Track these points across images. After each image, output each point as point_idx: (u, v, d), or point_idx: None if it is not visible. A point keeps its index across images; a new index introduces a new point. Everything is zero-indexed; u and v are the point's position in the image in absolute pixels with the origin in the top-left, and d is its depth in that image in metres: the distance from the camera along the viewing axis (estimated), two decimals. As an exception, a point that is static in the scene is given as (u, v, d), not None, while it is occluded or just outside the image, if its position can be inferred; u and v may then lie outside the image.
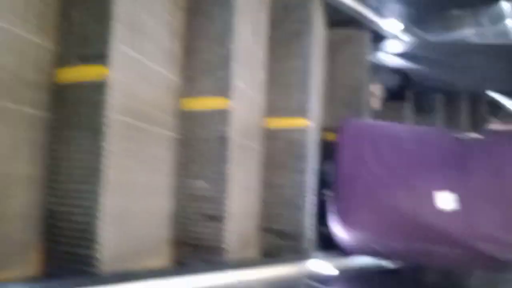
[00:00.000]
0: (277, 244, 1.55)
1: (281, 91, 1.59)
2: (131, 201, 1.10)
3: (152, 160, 1.21)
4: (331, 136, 1.68)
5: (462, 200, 1.38)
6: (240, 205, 1.41)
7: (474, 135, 1.52)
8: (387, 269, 1.62)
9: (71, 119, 1.02)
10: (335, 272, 1.48)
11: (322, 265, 1.47)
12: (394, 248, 1.48)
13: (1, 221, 0.91)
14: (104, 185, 0.97)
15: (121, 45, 1.04)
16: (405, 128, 1.66)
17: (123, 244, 1.06)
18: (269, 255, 1.52)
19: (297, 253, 1.52)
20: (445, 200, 1.38)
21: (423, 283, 1.65)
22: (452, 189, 1.39)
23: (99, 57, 1.01)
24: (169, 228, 1.29)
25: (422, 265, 1.64)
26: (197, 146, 1.31)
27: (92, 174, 0.98)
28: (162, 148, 1.25)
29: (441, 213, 1.38)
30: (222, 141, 1.28)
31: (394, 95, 1.98)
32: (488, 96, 2.72)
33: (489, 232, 1.38)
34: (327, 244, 1.59)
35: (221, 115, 1.27)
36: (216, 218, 1.26)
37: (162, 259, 1.25)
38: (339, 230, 1.48)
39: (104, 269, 0.96)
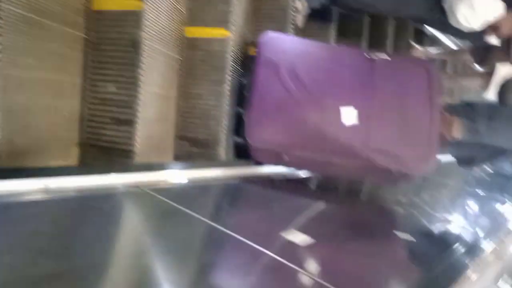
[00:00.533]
0: (191, 151, 1.61)
1: (203, 0, 1.55)
2: (29, 98, 1.07)
3: (55, 58, 1.16)
4: (252, 51, 1.69)
5: (365, 116, 1.49)
6: (154, 111, 1.43)
7: (384, 56, 1.59)
8: (293, 177, 1.75)
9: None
10: (246, 177, 1.58)
11: (233, 171, 1.56)
12: (301, 159, 1.59)
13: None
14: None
15: None
16: (321, 45, 1.69)
17: (21, 141, 1.06)
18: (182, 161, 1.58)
19: (209, 160, 1.59)
20: (349, 115, 1.49)
21: (321, 189, 1.81)
22: (356, 106, 1.49)
23: None
24: (77, 130, 1.29)
25: (325, 174, 1.79)
26: (109, 48, 1.28)
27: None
28: (67, 47, 1.21)
29: (345, 127, 1.49)
30: (134, 44, 1.25)
31: (319, 15, 1.98)
32: (413, 23, 2.82)
33: (385, 146, 1.51)
34: (240, 154, 1.67)
35: (134, 17, 1.23)
36: (126, 122, 1.28)
37: (69, 160, 1.27)
38: (251, 140, 1.56)
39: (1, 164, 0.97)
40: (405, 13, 2.07)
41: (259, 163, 1.66)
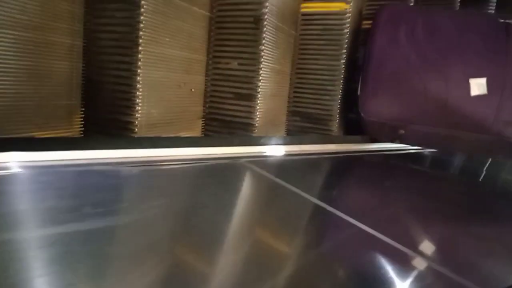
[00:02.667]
0: (304, 126, 1.63)
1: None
2: (165, 74, 1.17)
3: (186, 37, 1.25)
4: (369, 25, 1.63)
5: (497, 86, 1.37)
6: (271, 86, 1.46)
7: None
8: (407, 153, 1.69)
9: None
10: (358, 152, 1.56)
11: (346, 147, 1.55)
12: (421, 134, 1.52)
13: (47, 86, 1.01)
14: (141, 56, 1.04)
15: None
16: (446, 12, 1.57)
17: (157, 114, 1.16)
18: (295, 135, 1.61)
19: (323, 135, 1.60)
20: (479, 86, 1.38)
21: (437, 166, 1.71)
22: (487, 75, 1.38)
23: None
24: (202, 104, 1.38)
25: (446, 150, 1.69)
26: (232, 26, 1.33)
27: (128, 46, 1.04)
28: (197, 26, 1.28)
29: (473, 98, 1.39)
30: (257, 21, 1.29)
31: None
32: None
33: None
34: (355, 130, 1.65)
35: (257, -4, 1.27)
36: (247, 97, 1.33)
37: (194, 131, 1.36)
38: (365, 114, 1.53)
39: (140, 134, 1.08)
40: None
41: (372, 139, 1.63)
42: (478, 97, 1.39)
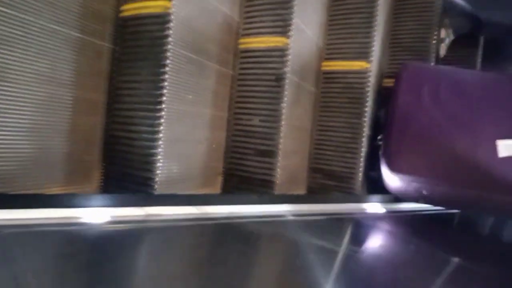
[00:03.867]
0: (325, 184, 1.59)
1: (342, 33, 1.56)
2: (187, 131, 1.17)
3: (209, 94, 1.26)
4: (390, 82, 1.64)
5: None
6: (292, 143, 1.45)
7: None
8: (434, 214, 1.62)
9: (134, 51, 1.08)
10: (383, 212, 1.51)
11: (370, 206, 1.50)
12: (445, 195, 1.47)
13: (70, 141, 1.01)
14: (163, 114, 1.05)
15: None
16: (469, 72, 1.56)
17: (177, 171, 1.15)
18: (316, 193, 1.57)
19: (345, 194, 1.56)
20: (507, 147, 1.33)
21: (471, 229, 1.64)
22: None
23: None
24: (222, 160, 1.37)
25: (472, 212, 1.62)
26: (253, 84, 1.34)
27: (151, 102, 1.05)
28: (219, 84, 1.30)
29: (501, 160, 1.34)
30: (279, 79, 1.30)
31: (463, 41, 1.86)
32: None
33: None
34: (377, 189, 1.61)
35: (279, 54, 1.28)
36: (268, 154, 1.32)
37: (213, 189, 1.34)
38: (389, 175, 1.49)
39: (159, 191, 1.06)
40: None
41: (396, 198, 1.58)
42: (506, 158, 1.34)
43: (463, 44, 1.91)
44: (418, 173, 1.46)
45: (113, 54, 1.12)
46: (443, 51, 1.77)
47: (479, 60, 1.95)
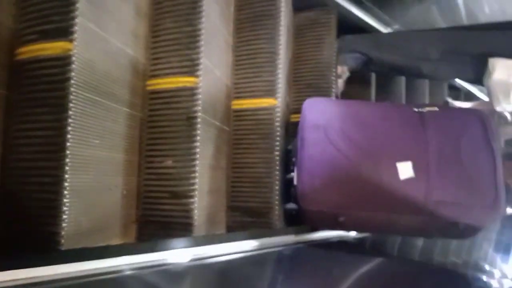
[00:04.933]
0: (244, 221, 1.58)
1: (248, 72, 1.61)
2: (94, 178, 1.10)
3: (117, 138, 1.21)
4: (296, 118, 1.71)
5: (422, 168, 1.45)
6: (208, 182, 1.43)
7: (433, 108, 1.58)
8: (352, 240, 1.69)
9: (33, 96, 1.01)
10: (300, 243, 1.53)
11: (288, 239, 1.52)
12: (358, 219, 1.54)
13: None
14: (68, 161, 0.97)
15: (84, 20, 1.03)
16: (367, 103, 1.70)
17: (86, 221, 1.06)
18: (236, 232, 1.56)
19: (264, 229, 1.56)
20: (406, 170, 1.45)
21: (386, 250, 1.73)
22: (412, 159, 1.46)
23: (62, 32, 1.00)
24: (135, 206, 1.30)
25: (386, 233, 1.72)
26: (164, 125, 1.31)
27: (53, 150, 0.98)
28: (127, 127, 1.25)
29: (403, 182, 1.45)
30: (190, 119, 1.29)
31: (358, 78, 2.03)
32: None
33: (449, 198, 1.45)
34: (293, 220, 1.64)
35: (189, 93, 1.28)
36: (184, 196, 1.28)
37: (127, 237, 1.26)
38: (304, 204, 1.52)
39: (67, 246, 0.97)
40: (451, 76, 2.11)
41: (313, 228, 1.62)
42: (407, 180, 1.46)
43: (358, 80, 2.08)
44: (331, 201, 1.52)
45: (6, 101, 1.03)
46: (341, 86, 1.91)
47: (373, 93, 2.13)
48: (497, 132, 1.62)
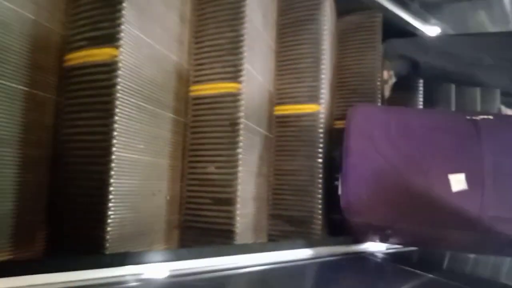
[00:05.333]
0: (286, 230, 1.55)
1: (291, 78, 1.59)
2: (138, 182, 1.11)
3: (161, 143, 1.21)
4: (340, 124, 1.67)
5: (476, 181, 1.36)
6: (250, 190, 1.41)
7: (485, 115, 1.49)
8: (398, 253, 1.62)
9: (81, 101, 1.03)
10: (343, 255, 1.48)
11: (331, 250, 1.47)
12: (405, 233, 1.47)
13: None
14: (113, 165, 0.98)
15: (130, 27, 1.05)
16: (416, 111, 1.62)
17: (131, 225, 1.07)
18: (277, 241, 1.52)
19: (306, 239, 1.51)
20: (459, 182, 1.37)
21: (436, 267, 1.64)
22: (465, 170, 1.38)
23: (109, 39, 1.02)
24: (177, 212, 1.30)
25: (435, 249, 1.63)
26: (207, 131, 1.31)
27: (102, 154, 0.99)
28: (171, 132, 1.26)
29: (456, 195, 1.36)
30: (233, 126, 1.28)
31: (405, 83, 1.96)
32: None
33: (504, 213, 1.35)
34: (338, 231, 1.59)
35: (231, 100, 1.27)
36: (226, 202, 1.26)
37: (169, 243, 1.26)
38: (348, 215, 1.47)
39: (111, 250, 0.97)
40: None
41: (358, 240, 1.56)
42: (460, 193, 1.37)
43: (405, 86, 2.00)
44: (377, 214, 1.45)
45: (56, 106, 1.06)
46: (387, 92, 1.85)
47: (421, 99, 2.05)
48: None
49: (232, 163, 1.26)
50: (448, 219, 1.38)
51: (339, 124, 1.70)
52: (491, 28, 2.32)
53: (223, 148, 1.28)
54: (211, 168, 1.29)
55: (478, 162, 1.40)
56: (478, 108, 2.51)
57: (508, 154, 1.41)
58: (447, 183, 1.37)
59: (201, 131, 1.31)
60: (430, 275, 1.50)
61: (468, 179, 1.37)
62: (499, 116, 1.63)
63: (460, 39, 2.00)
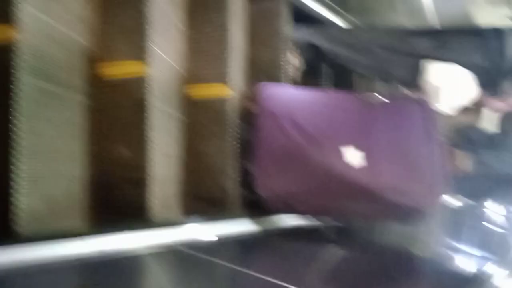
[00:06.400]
0: (202, 209, 1.60)
1: (201, 60, 1.62)
2: (47, 166, 1.09)
3: (68, 126, 1.20)
4: (250, 105, 1.73)
5: (369, 156, 1.52)
6: (164, 171, 1.43)
7: (380, 97, 1.65)
8: (308, 226, 1.74)
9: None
10: (259, 231, 1.57)
11: (246, 226, 1.56)
12: (313, 206, 1.60)
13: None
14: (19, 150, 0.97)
15: (28, 6, 1.02)
16: (319, 93, 1.75)
17: (41, 207, 1.06)
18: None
19: (222, 217, 1.58)
20: (353, 156, 1.51)
21: (337, 237, 1.78)
22: (359, 146, 1.53)
23: (5, 18, 0.99)
24: (89, 193, 1.29)
25: (341, 219, 1.78)
26: (116, 112, 1.31)
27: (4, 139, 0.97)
28: (78, 114, 1.24)
29: (351, 168, 1.51)
30: (141, 107, 1.29)
31: (313, 69, 2.09)
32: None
33: (393, 183, 1.53)
34: (253, 207, 1.66)
35: (138, 81, 1.28)
36: (138, 182, 1.28)
37: (82, 223, 1.25)
38: (262, 192, 1.56)
39: (22, 231, 0.97)
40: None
41: (272, 215, 1.66)
42: (354, 168, 1.52)
43: (312, 71, 2.13)
44: (288, 189, 1.56)
45: None
46: (294, 74, 1.96)
47: (326, 83, 2.19)
48: (442, 121, 1.70)
49: (143, 144, 1.28)
50: (348, 192, 1.53)
51: (250, 105, 1.78)
52: (402, 22, 2.53)
53: (133, 129, 1.30)
54: (122, 150, 1.30)
55: (368, 137, 1.56)
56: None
57: (394, 131, 1.59)
58: (343, 159, 1.51)
59: (109, 113, 1.31)
60: (347, 247, 1.65)
61: (366, 155, 1.52)
62: (393, 97, 1.81)
63: (364, 31, 2.17)
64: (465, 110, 2.08)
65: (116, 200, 1.29)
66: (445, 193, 1.62)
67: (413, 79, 1.90)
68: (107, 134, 1.31)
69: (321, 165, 1.51)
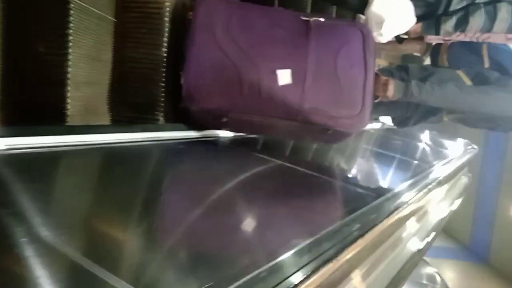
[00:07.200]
0: (129, 116, 1.59)
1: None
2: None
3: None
4: (187, 13, 1.67)
5: (299, 77, 1.53)
6: (86, 73, 1.39)
7: (320, 18, 1.62)
8: (233, 139, 1.79)
9: None
10: (183, 139, 1.59)
11: (171, 135, 1.57)
12: (240, 121, 1.61)
13: None
14: None
15: None
16: (257, 8, 1.68)
17: None
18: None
19: (149, 124, 1.58)
20: (284, 76, 1.51)
21: (260, 151, 1.84)
22: (291, 66, 1.53)
23: None
24: (5, 91, 1.24)
25: (267, 135, 1.83)
26: (36, 9, 1.23)
27: None
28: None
29: (280, 88, 1.52)
30: (60, 5, 1.21)
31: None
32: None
33: (320, 106, 1.56)
34: (181, 117, 1.67)
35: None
36: (56, 83, 1.25)
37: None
38: (190, 104, 1.55)
39: None
40: None
41: (199, 126, 1.67)
42: (285, 87, 1.53)
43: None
44: (215, 102, 1.55)
45: None
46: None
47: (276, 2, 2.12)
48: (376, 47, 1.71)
49: (61, 43, 1.23)
50: (273, 110, 1.55)
51: (187, 13, 1.70)
52: None
53: (52, 27, 1.23)
54: (40, 47, 1.24)
55: (303, 59, 1.55)
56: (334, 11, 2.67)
57: (329, 54, 1.58)
58: (275, 77, 1.52)
59: (27, 9, 1.23)
60: (275, 160, 1.70)
61: (293, 74, 1.53)
62: (329, 18, 1.78)
63: None
64: (403, 40, 2.11)
65: (32, 101, 1.25)
66: (371, 120, 1.67)
67: (362, 7, 1.86)
68: (26, 30, 1.24)
69: (254, 85, 1.51)
